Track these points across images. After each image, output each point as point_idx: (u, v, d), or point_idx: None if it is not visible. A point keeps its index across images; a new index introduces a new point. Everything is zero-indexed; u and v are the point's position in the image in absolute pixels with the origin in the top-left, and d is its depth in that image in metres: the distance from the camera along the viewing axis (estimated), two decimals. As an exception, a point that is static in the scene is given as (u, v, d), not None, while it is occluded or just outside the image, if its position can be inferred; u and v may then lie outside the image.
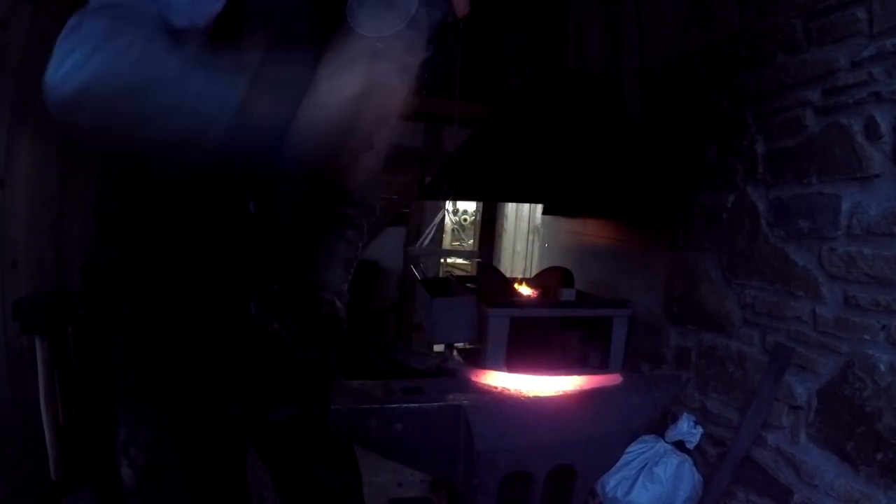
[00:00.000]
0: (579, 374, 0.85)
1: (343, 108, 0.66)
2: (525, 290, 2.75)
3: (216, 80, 0.64)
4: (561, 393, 0.81)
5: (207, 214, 0.86)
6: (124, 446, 0.89)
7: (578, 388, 0.84)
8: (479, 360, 2.42)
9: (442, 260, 5.14)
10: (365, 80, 0.67)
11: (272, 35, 0.75)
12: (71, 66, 0.61)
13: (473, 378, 0.84)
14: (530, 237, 4.73)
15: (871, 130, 1.50)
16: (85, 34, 0.63)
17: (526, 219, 4.86)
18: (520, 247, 4.95)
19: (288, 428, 1.09)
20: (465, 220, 6.38)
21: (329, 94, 0.66)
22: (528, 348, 2.43)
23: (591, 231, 3.15)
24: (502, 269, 4.21)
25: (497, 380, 0.83)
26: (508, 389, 0.82)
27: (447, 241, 5.91)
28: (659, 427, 2.14)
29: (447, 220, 5.81)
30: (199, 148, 0.65)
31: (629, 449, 1.98)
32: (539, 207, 4.16)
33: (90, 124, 0.66)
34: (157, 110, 0.63)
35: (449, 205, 5.67)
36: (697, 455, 2.07)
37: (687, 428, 2.07)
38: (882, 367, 1.46)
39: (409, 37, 0.72)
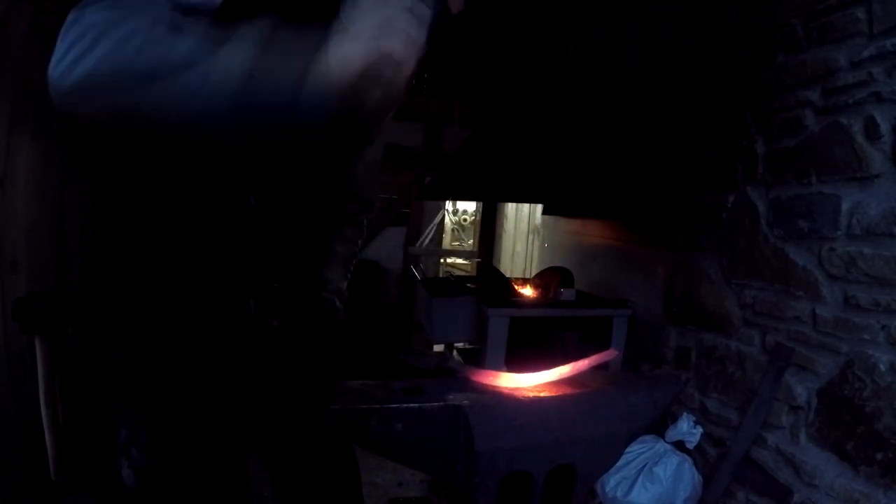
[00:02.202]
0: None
1: (364, 54, 0.62)
2: (525, 290, 2.75)
3: (224, 56, 0.62)
4: (560, 392, 0.81)
5: (208, 207, 0.85)
6: (125, 447, 0.89)
7: (577, 370, 0.84)
8: (479, 360, 2.42)
9: (442, 260, 5.14)
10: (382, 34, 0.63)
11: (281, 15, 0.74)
12: (73, 58, 0.61)
13: (473, 377, 0.84)
14: (530, 237, 4.73)
15: (871, 130, 1.50)
16: (86, 25, 0.62)
17: (526, 219, 4.86)
18: (520, 247, 4.95)
19: (288, 428, 1.09)
20: (465, 220, 6.38)
21: (352, 40, 0.62)
22: (528, 348, 2.43)
23: (591, 231, 3.15)
24: (502, 269, 4.21)
25: (496, 378, 0.83)
26: (508, 387, 0.82)
27: (447, 241, 5.91)
28: (659, 427, 2.14)
29: (447, 220, 5.81)
30: (209, 127, 0.62)
31: (629, 449, 1.98)
32: (539, 207, 4.17)
33: (94, 114, 0.65)
34: (164, 97, 0.61)
35: (449, 205, 5.68)
36: (697, 455, 2.07)
37: (687, 428, 2.07)
38: (882, 367, 1.46)
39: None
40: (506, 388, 0.82)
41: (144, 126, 0.65)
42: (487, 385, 0.83)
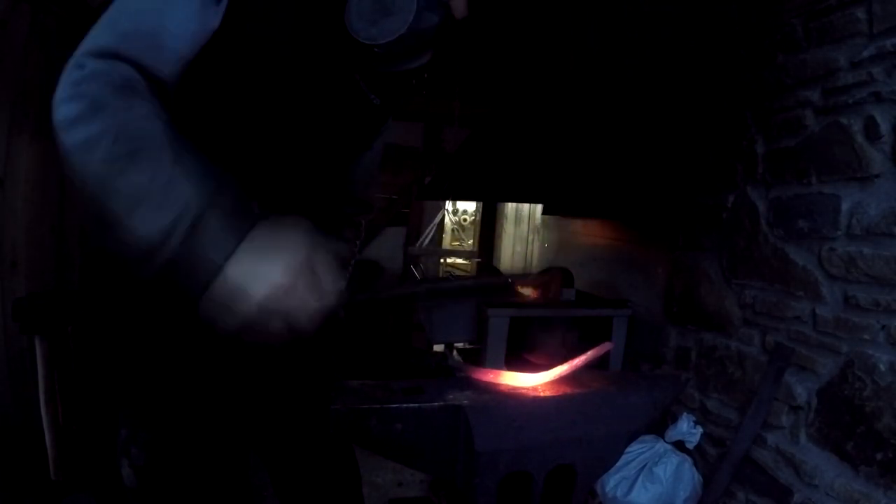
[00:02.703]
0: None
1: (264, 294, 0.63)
2: (525, 290, 2.75)
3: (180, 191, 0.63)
4: (560, 392, 0.81)
5: None
6: (125, 446, 0.89)
7: (575, 366, 0.84)
8: (480, 359, 2.42)
9: (442, 260, 5.14)
10: (290, 276, 0.64)
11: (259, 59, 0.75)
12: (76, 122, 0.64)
13: (474, 376, 0.84)
14: (530, 237, 4.73)
15: (871, 130, 1.50)
16: (90, 100, 0.64)
17: (526, 219, 4.85)
18: (520, 247, 4.95)
19: (288, 428, 1.09)
20: (465, 220, 6.37)
21: (253, 275, 0.63)
22: (528, 348, 2.43)
23: (591, 231, 3.15)
24: (502, 269, 4.21)
25: (496, 377, 0.83)
26: (511, 386, 0.82)
27: (447, 241, 5.91)
28: (659, 427, 2.14)
29: (447, 220, 5.81)
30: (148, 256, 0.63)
31: (629, 449, 1.98)
32: (539, 207, 4.17)
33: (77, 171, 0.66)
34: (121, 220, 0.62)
35: (449, 205, 5.68)
36: (697, 455, 2.07)
37: (687, 428, 2.07)
38: (882, 367, 1.46)
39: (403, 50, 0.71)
40: (509, 386, 0.82)
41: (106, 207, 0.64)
42: (490, 384, 0.83)
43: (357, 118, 0.95)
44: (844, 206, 1.59)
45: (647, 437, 2.08)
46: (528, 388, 0.82)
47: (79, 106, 0.64)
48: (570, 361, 0.85)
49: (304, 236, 0.67)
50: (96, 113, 0.64)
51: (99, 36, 0.69)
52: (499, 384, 0.83)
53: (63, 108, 0.64)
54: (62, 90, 0.65)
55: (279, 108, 0.84)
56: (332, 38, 0.79)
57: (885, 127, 1.47)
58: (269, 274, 0.63)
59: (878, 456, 1.45)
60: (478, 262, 4.80)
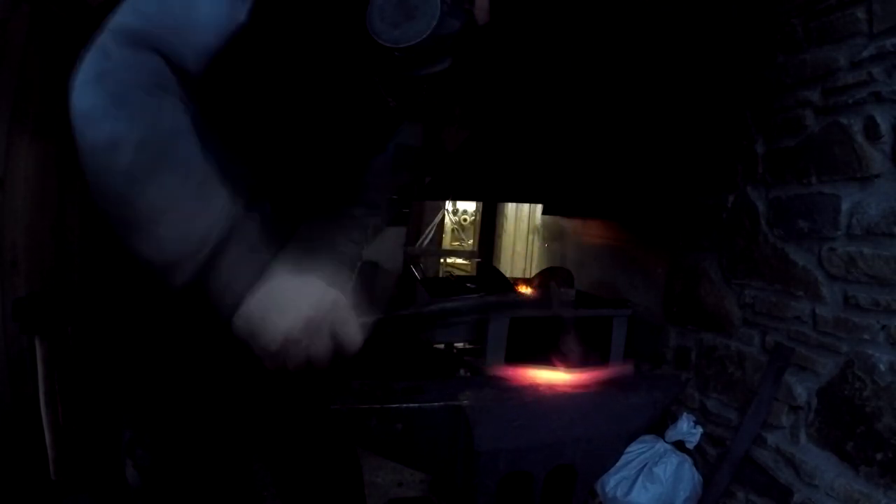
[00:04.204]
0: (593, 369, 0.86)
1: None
2: (525, 290, 2.75)
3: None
4: (560, 392, 0.81)
5: None
6: (129, 447, 0.89)
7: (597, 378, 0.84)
8: (479, 360, 2.42)
9: (442, 260, 5.14)
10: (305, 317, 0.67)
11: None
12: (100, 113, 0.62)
13: (499, 374, 0.84)
14: (530, 237, 4.73)
15: (871, 130, 1.50)
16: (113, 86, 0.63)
17: (526, 219, 4.85)
18: (520, 247, 4.95)
19: (290, 428, 1.09)
20: (465, 220, 6.37)
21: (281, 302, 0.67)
22: (528, 348, 2.43)
23: (591, 231, 3.15)
24: (502, 269, 4.20)
25: (526, 374, 0.84)
26: (535, 381, 0.82)
27: (447, 241, 5.91)
28: (659, 427, 2.14)
29: (447, 220, 5.81)
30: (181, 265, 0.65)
31: (629, 449, 1.98)
32: (539, 207, 4.16)
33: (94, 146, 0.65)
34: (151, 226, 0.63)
35: (449, 205, 5.68)
36: (697, 455, 2.06)
37: (687, 428, 2.07)
38: (882, 367, 1.46)
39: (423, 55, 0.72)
40: (530, 382, 0.82)
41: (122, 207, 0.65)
42: (503, 380, 0.83)
43: (373, 120, 0.95)
44: (844, 206, 1.59)
45: (647, 437, 2.07)
46: (527, 388, 0.82)
47: (104, 99, 0.62)
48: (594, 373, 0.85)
49: (324, 290, 0.70)
50: (122, 110, 0.62)
51: (125, 13, 0.67)
52: (523, 380, 0.83)
53: (86, 96, 0.62)
54: (85, 73, 0.63)
55: (296, 107, 0.84)
56: (352, 39, 0.78)
57: (885, 127, 1.47)
58: (286, 323, 0.66)
59: (879, 456, 1.45)
60: (478, 262, 4.79)
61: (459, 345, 2.83)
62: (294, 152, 0.88)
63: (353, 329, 0.70)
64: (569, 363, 0.88)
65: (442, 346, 2.68)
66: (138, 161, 0.61)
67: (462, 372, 2.44)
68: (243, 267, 0.65)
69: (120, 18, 0.66)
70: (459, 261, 5.45)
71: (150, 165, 0.62)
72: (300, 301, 0.67)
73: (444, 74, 0.86)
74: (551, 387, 0.83)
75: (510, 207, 5.11)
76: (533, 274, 3.22)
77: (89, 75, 0.63)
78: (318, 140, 0.89)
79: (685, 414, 2.11)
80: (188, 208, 0.63)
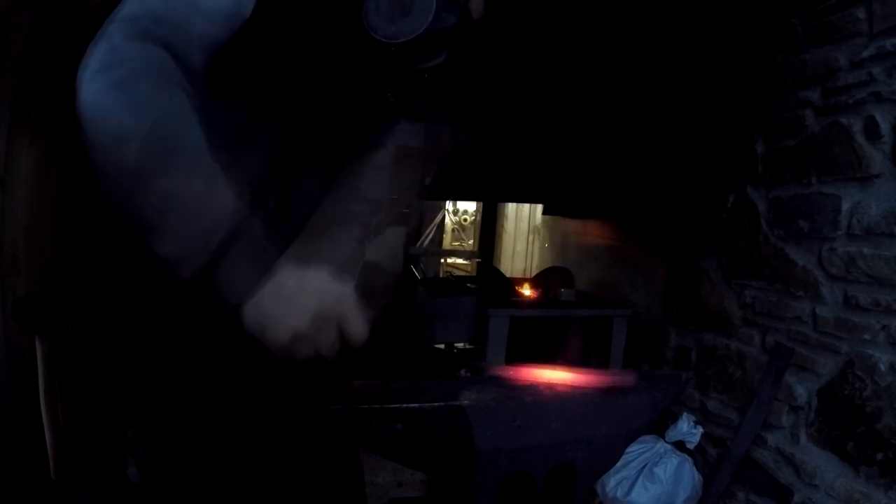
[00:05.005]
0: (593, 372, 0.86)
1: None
2: (525, 290, 2.75)
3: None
4: (560, 392, 0.81)
5: None
6: (131, 445, 0.89)
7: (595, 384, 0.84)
8: (480, 360, 2.42)
9: (442, 260, 5.14)
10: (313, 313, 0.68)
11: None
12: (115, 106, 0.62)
13: (504, 374, 0.84)
14: (530, 237, 4.73)
15: (871, 130, 1.50)
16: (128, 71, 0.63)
17: (526, 219, 4.86)
18: (520, 247, 4.95)
19: (290, 428, 1.09)
20: (465, 220, 6.37)
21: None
22: (528, 348, 2.43)
23: (591, 231, 3.15)
24: (502, 269, 4.20)
25: (532, 373, 0.84)
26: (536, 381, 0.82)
27: (447, 241, 5.91)
28: (659, 427, 2.14)
29: (447, 220, 5.81)
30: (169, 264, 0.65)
31: (629, 449, 1.98)
32: (539, 207, 4.17)
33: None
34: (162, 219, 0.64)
35: (449, 205, 5.68)
36: (697, 455, 2.06)
37: (687, 428, 2.07)
38: (882, 367, 1.46)
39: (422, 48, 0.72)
40: (530, 382, 0.82)
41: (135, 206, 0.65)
42: (502, 379, 0.83)
43: (372, 115, 0.95)
44: (844, 206, 1.59)
45: (648, 437, 2.07)
46: (527, 388, 0.82)
47: (111, 92, 0.62)
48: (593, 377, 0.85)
49: (330, 284, 0.70)
50: (129, 102, 0.62)
51: (131, 6, 0.67)
52: (523, 380, 0.83)
53: (93, 89, 0.62)
54: (91, 66, 0.62)
55: (294, 102, 0.84)
56: (349, 34, 0.79)
57: (885, 127, 1.47)
58: (294, 317, 0.67)
59: (879, 456, 1.45)
60: (478, 262, 4.79)
61: (459, 345, 2.83)
62: (295, 147, 0.88)
63: (360, 322, 0.71)
64: (569, 363, 0.89)
65: (442, 346, 2.68)
66: (146, 153, 0.61)
67: (462, 372, 2.44)
68: (249, 261, 0.66)
69: (126, 11, 0.66)
70: (460, 261, 5.45)
71: (158, 158, 0.61)
72: (307, 295, 0.67)
73: (442, 69, 0.87)
74: (551, 387, 0.83)
75: (510, 207, 5.11)
76: (533, 274, 3.22)
77: (96, 68, 0.62)
78: (318, 134, 0.89)
79: (685, 414, 2.11)
80: (196, 202, 0.63)
